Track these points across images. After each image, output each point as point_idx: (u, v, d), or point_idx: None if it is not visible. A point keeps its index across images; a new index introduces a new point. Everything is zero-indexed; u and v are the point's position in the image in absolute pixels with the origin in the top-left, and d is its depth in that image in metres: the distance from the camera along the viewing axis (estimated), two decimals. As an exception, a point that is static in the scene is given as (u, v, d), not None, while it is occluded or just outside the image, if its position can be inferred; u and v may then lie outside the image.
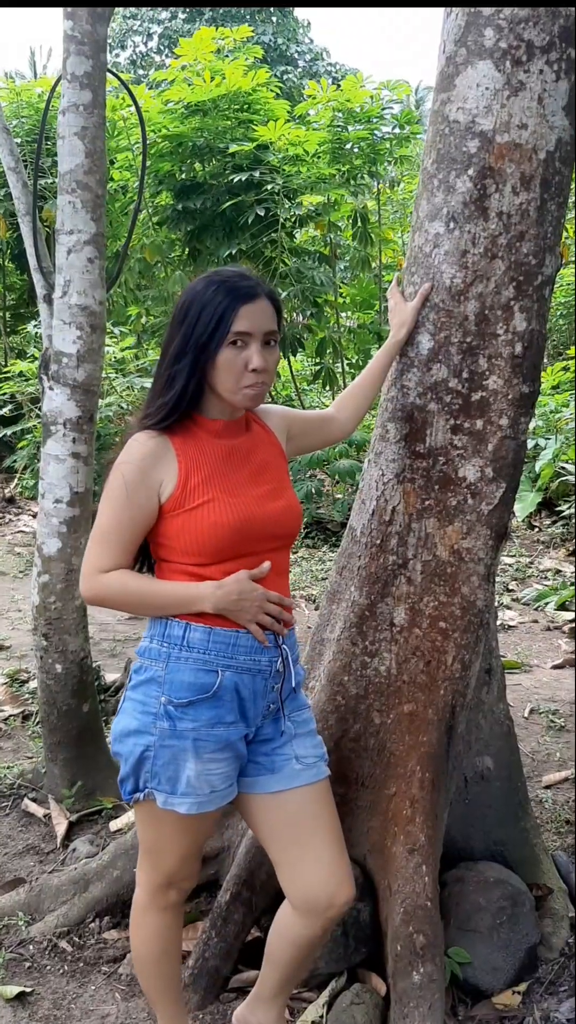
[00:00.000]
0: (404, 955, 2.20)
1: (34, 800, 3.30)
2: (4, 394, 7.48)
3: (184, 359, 1.79)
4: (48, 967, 2.48)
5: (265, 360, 1.79)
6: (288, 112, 7.67)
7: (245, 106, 7.52)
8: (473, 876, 2.52)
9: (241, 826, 2.55)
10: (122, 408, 7.07)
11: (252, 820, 1.98)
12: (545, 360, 9.78)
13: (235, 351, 1.77)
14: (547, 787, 3.50)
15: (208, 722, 1.79)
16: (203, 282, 1.81)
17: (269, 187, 7.23)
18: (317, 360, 8.26)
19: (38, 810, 3.24)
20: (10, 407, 7.58)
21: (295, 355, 9.00)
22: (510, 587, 6.29)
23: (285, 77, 20.15)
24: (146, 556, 1.92)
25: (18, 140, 7.46)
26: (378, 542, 2.41)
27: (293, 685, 1.94)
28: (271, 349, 1.82)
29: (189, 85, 7.41)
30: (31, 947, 2.53)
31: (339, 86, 7.40)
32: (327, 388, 9.11)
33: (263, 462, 1.93)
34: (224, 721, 1.81)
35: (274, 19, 22.87)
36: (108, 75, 2.94)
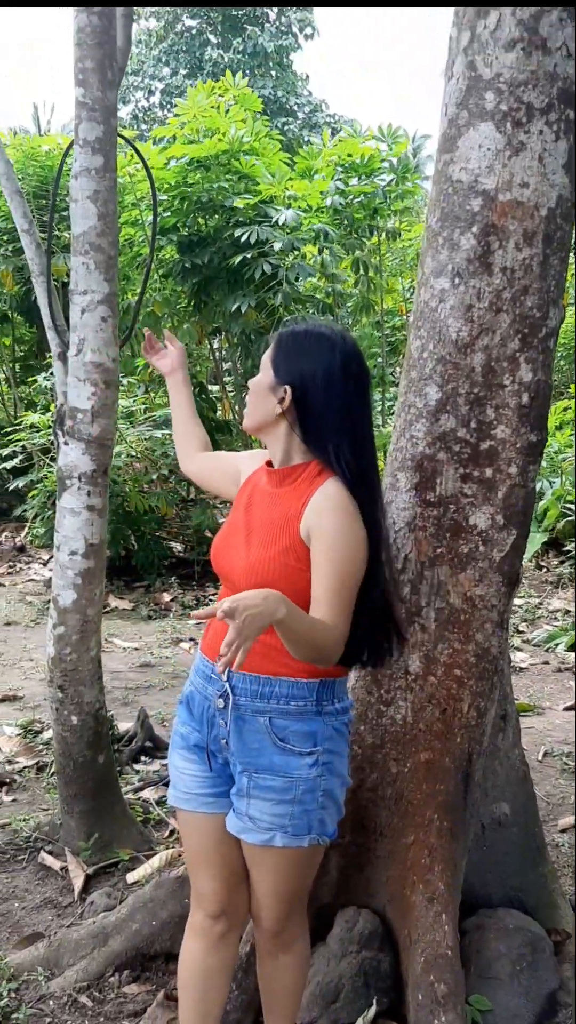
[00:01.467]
0: (425, 1004, 2.19)
1: (51, 853, 3.30)
2: (15, 445, 7.56)
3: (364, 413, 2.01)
4: (69, 1023, 2.46)
5: (253, 382, 2.00)
6: (288, 163, 7.83)
7: (246, 158, 7.68)
8: (493, 923, 2.51)
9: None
10: (132, 457, 7.13)
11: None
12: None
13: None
14: (563, 831, 3.49)
15: (181, 720, 2.04)
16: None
17: (274, 243, 7.36)
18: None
19: (55, 863, 3.23)
20: (20, 458, 7.65)
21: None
22: (520, 628, 6.29)
23: (285, 128, 20.56)
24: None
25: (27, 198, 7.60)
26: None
27: (229, 729, 1.89)
28: (259, 374, 1.98)
29: (190, 142, 7.59)
30: (51, 1003, 2.52)
31: (337, 135, 7.58)
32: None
33: (269, 520, 1.91)
34: (189, 723, 2.01)
35: (273, 73, 23.38)
36: (119, 139, 3.03)
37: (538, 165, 2.22)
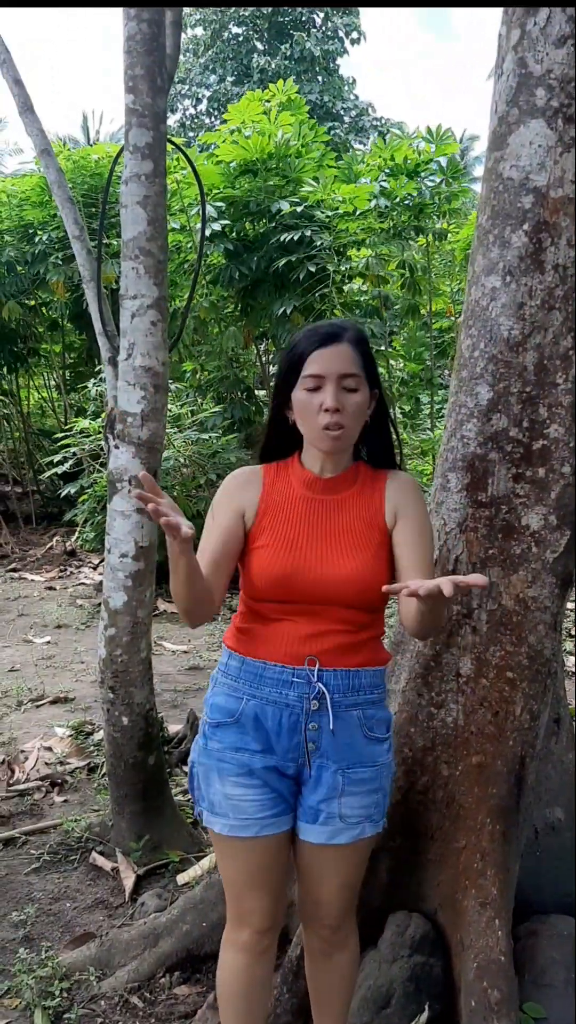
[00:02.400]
0: (479, 1010, 2.16)
1: (102, 854, 3.32)
2: (66, 451, 7.66)
3: (274, 403, 1.95)
4: (120, 1023, 2.48)
5: (339, 401, 1.80)
6: (334, 166, 7.84)
7: (294, 160, 7.70)
8: (546, 929, 2.47)
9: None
10: (179, 462, 7.18)
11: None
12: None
13: (309, 395, 1.83)
14: (619, 839, 3.42)
15: (231, 745, 1.89)
16: (298, 333, 1.91)
17: (319, 244, 7.37)
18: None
19: (106, 864, 3.26)
20: (71, 463, 7.75)
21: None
22: (573, 632, 6.20)
23: (332, 133, 20.57)
24: None
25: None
26: (442, 592, 2.41)
27: (332, 727, 1.86)
28: (351, 393, 1.83)
29: (235, 144, 7.63)
30: (102, 1003, 2.54)
31: (384, 138, 7.56)
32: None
33: (347, 526, 1.89)
34: (248, 748, 1.88)
35: (320, 78, 23.43)
36: (169, 144, 3.05)
37: (590, 161, 2.19)
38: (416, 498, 1.93)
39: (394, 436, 2.00)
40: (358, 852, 1.98)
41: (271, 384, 10.06)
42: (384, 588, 1.69)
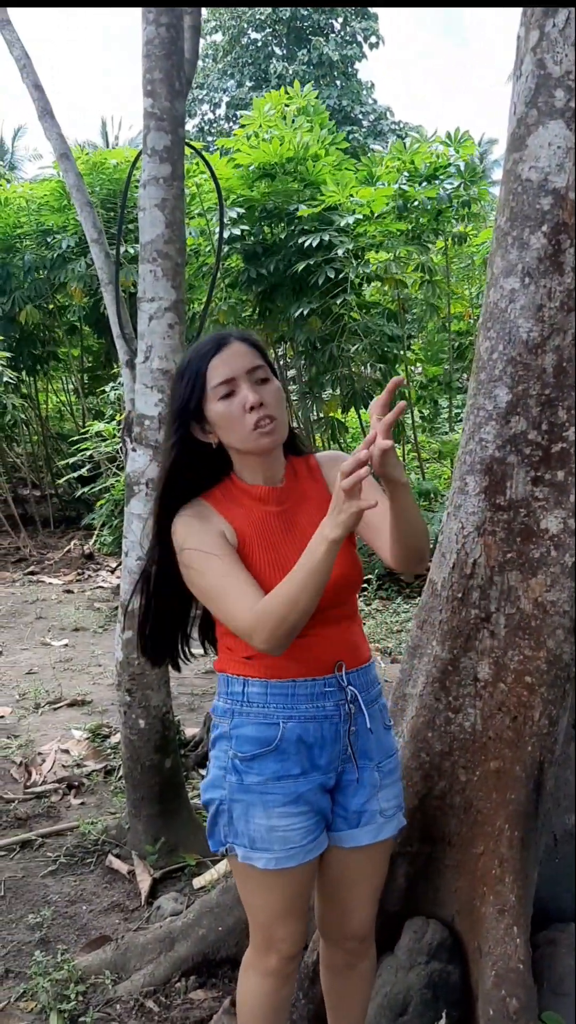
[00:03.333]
0: (496, 1019, 2.14)
1: (118, 856, 3.33)
2: (84, 454, 7.68)
3: (175, 429, 1.81)
4: (135, 1027, 2.48)
5: (261, 395, 1.76)
6: (353, 170, 7.84)
7: (311, 164, 7.70)
8: (565, 938, 2.45)
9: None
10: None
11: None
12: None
13: (226, 403, 1.75)
14: None
15: (273, 775, 1.80)
16: (182, 361, 1.85)
17: (338, 249, 7.36)
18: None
19: (122, 867, 3.26)
20: (89, 467, 7.77)
21: (366, 408, 9.06)
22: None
23: (351, 137, 20.60)
24: (206, 636, 2.03)
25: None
26: (459, 596, 2.40)
27: (369, 726, 1.87)
28: (265, 385, 1.79)
29: (253, 148, 7.65)
30: (118, 1006, 2.54)
31: (403, 140, 7.56)
32: (398, 440, 9.14)
33: (313, 524, 1.71)
34: (290, 774, 1.80)
35: (338, 83, 23.46)
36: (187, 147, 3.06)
37: (610, 162, 2.17)
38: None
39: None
40: (389, 849, 2.01)
41: (289, 388, 10.13)
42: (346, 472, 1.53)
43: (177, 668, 2.06)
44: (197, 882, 3.13)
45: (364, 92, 24.34)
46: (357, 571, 1.90)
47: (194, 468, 1.84)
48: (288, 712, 1.80)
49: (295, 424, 9.06)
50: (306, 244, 7.31)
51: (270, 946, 1.91)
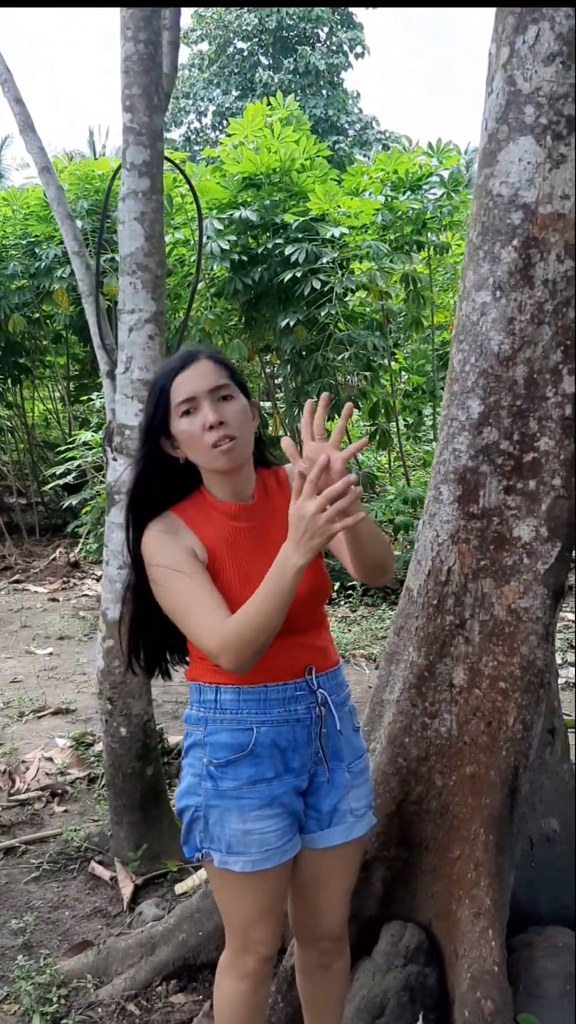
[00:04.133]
0: (472, 1021, 2.17)
1: (101, 863, 3.34)
2: (69, 463, 7.70)
3: (144, 443, 1.85)
4: (116, 1032, 2.50)
5: (220, 413, 1.76)
6: (337, 181, 7.89)
7: (296, 175, 7.75)
8: (542, 941, 2.48)
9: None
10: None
11: None
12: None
13: (188, 420, 1.78)
14: (617, 850, 3.42)
15: (248, 779, 1.83)
16: (154, 376, 1.89)
17: (323, 258, 7.41)
18: (372, 422, 8.36)
19: (104, 873, 3.28)
20: (74, 475, 7.79)
21: (351, 417, 9.10)
22: (573, 643, 6.20)
23: (336, 147, 20.69)
24: (175, 648, 2.02)
25: (80, 223, 7.77)
26: (435, 602, 2.44)
27: (339, 728, 1.91)
28: (228, 402, 1.79)
29: (238, 161, 7.69)
30: (100, 1010, 2.56)
31: (387, 150, 7.62)
32: (382, 449, 9.19)
33: (281, 543, 1.71)
34: (265, 778, 1.83)
35: (324, 92, 23.57)
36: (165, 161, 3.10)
37: (579, 177, 2.22)
38: None
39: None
40: (361, 848, 2.04)
41: (275, 397, 10.16)
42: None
43: (168, 676, 2.08)
44: (179, 888, 3.15)
45: (350, 102, 24.46)
46: (325, 583, 1.94)
47: (164, 482, 1.87)
48: (261, 717, 1.83)
49: (284, 434, 9.11)
50: (292, 256, 7.35)
51: (247, 949, 1.93)
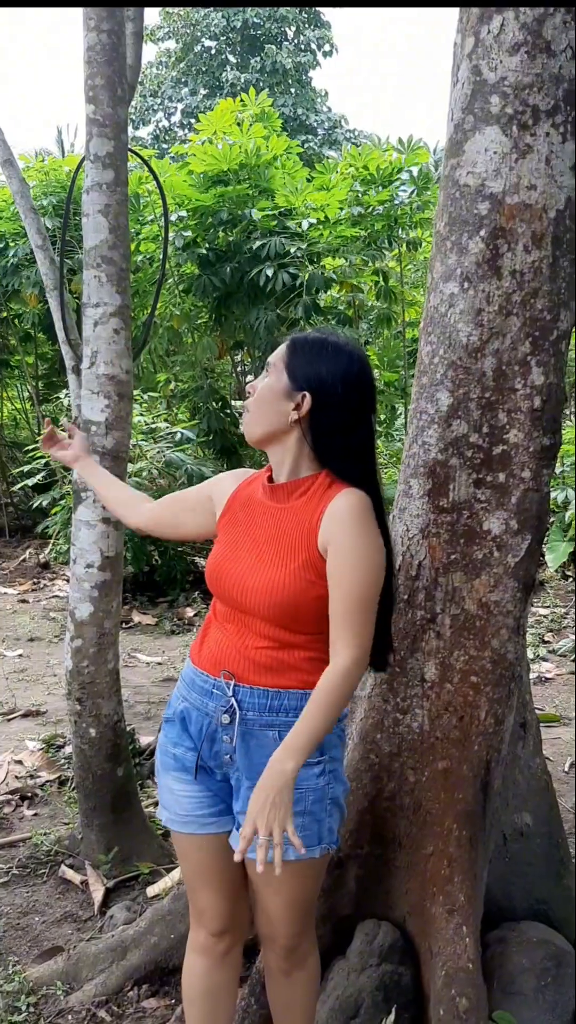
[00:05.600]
0: (447, 1019, 2.15)
1: (71, 867, 3.29)
2: (38, 462, 7.61)
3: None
4: (87, 1038, 2.45)
5: (254, 386, 1.91)
6: (308, 179, 7.87)
7: (265, 171, 7.72)
8: (515, 936, 2.47)
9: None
10: (152, 473, 7.15)
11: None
12: (574, 410, 9.79)
13: None
14: (590, 843, 3.43)
15: (172, 741, 1.95)
16: None
17: (293, 251, 7.38)
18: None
19: (75, 877, 3.23)
20: (43, 474, 7.70)
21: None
22: (545, 638, 6.22)
23: (306, 146, 20.65)
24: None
25: (47, 219, 7.68)
26: (405, 597, 2.42)
27: (234, 746, 1.85)
28: (264, 378, 1.90)
29: (206, 156, 7.65)
30: (70, 1017, 2.51)
31: (358, 146, 7.62)
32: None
33: (278, 535, 1.84)
34: (183, 744, 1.93)
35: (292, 90, 23.53)
36: (130, 153, 3.05)
37: (545, 167, 2.20)
38: (352, 532, 1.76)
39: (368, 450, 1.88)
40: (290, 873, 1.75)
41: (247, 394, 10.06)
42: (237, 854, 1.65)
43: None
44: (151, 890, 3.11)
45: (319, 100, 24.41)
46: (272, 592, 1.80)
47: None
48: (186, 693, 1.95)
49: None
50: (259, 248, 7.31)
51: (199, 919, 2.01)
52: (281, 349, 1.89)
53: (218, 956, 2.01)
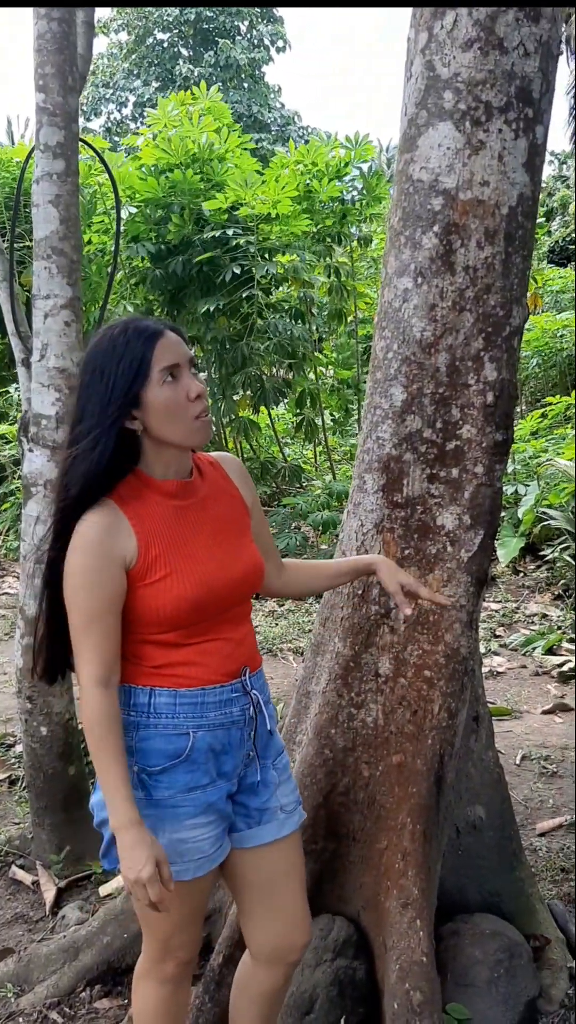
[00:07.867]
0: (401, 1013, 2.16)
1: (22, 867, 3.25)
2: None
3: (107, 416, 1.66)
4: (38, 1040, 2.42)
5: (199, 386, 1.71)
6: (259, 173, 7.85)
7: (216, 164, 7.70)
8: (469, 929, 2.48)
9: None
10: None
11: (225, 872, 1.92)
12: (524, 407, 9.91)
13: (171, 387, 1.68)
14: (541, 835, 3.47)
15: (184, 787, 1.74)
16: (106, 336, 1.70)
17: (242, 242, 7.37)
18: (298, 412, 8.34)
19: (26, 877, 3.18)
20: (-8, 470, 7.61)
21: (276, 406, 9.10)
22: (497, 633, 6.28)
23: (259, 143, 20.62)
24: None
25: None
26: (360, 592, 2.42)
27: (268, 728, 1.88)
28: (197, 376, 1.74)
29: (157, 148, 7.60)
30: (20, 1019, 2.48)
31: (307, 143, 7.64)
32: (308, 442, 9.18)
33: (221, 517, 1.83)
34: (200, 784, 1.75)
35: (246, 86, 23.47)
36: (81, 143, 3.01)
37: (498, 164, 2.22)
38: (248, 480, 1.97)
39: None
40: (299, 844, 1.97)
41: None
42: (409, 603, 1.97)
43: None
44: (103, 890, 3.07)
45: (272, 96, 24.40)
46: (259, 562, 1.88)
47: (113, 462, 1.70)
48: (198, 721, 1.75)
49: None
50: (209, 238, 7.28)
51: (167, 955, 1.87)
52: (184, 343, 1.74)
53: (182, 980, 1.94)
